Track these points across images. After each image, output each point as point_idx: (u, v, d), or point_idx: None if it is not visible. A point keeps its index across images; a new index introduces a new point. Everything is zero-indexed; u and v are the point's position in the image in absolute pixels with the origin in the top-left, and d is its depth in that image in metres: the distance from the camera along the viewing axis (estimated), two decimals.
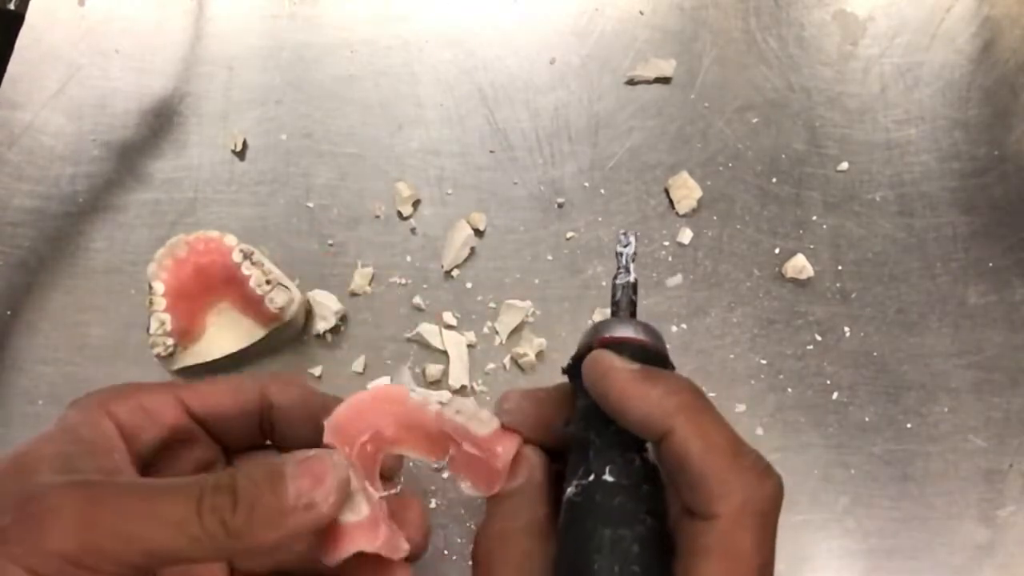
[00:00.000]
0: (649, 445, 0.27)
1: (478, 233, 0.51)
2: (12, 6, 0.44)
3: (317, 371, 0.48)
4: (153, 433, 0.30)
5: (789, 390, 0.49)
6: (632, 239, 0.31)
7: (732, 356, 0.50)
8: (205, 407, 0.31)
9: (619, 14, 0.57)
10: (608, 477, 0.25)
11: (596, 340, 0.28)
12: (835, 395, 0.49)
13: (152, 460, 0.30)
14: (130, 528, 0.24)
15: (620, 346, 0.27)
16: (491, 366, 0.49)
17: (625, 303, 0.30)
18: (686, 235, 0.52)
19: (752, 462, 0.25)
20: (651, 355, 0.27)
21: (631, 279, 0.30)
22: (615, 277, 0.31)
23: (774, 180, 0.53)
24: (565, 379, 0.31)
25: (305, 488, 0.26)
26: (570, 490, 0.26)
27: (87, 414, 0.29)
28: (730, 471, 0.24)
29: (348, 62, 0.55)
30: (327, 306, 0.48)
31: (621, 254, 0.31)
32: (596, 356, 0.27)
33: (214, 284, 0.46)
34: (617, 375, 0.26)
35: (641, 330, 0.29)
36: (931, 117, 0.55)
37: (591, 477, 0.26)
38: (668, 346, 0.49)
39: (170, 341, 0.44)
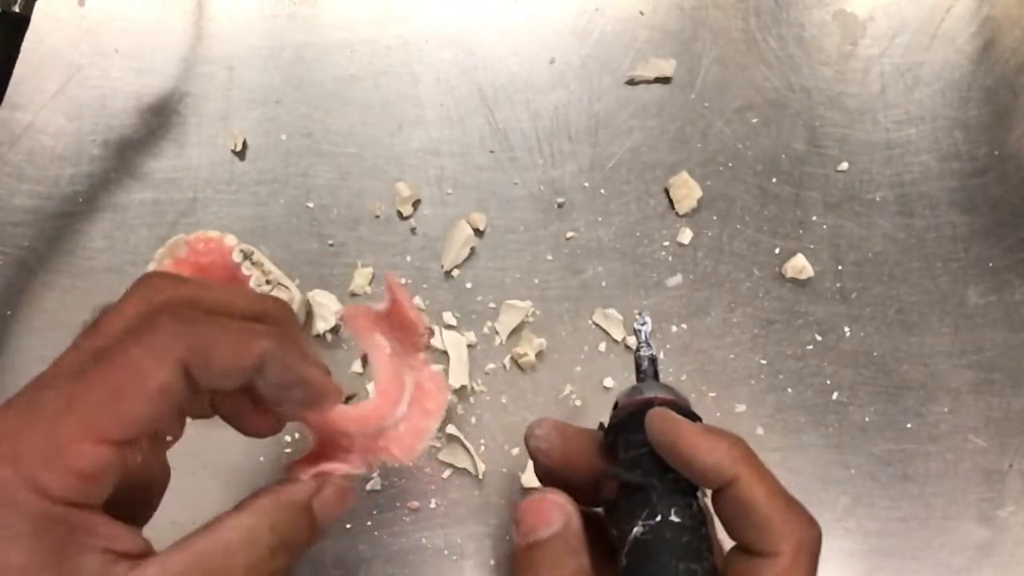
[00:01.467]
0: (699, 492, 0.29)
1: (478, 233, 0.51)
2: (17, 8, 0.44)
3: None
4: (102, 491, 0.24)
5: (789, 390, 0.49)
6: (647, 318, 0.35)
7: (732, 356, 0.50)
8: (137, 433, 0.25)
9: (619, 14, 0.57)
10: (675, 518, 0.28)
11: (655, 399, 0.31)
12: (835, 395, 0.49)
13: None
14: None
15: (667, 406, 0.31)
16: (491, 366, 0.49)
17: (652, 372, 0.34)
18: (686, 235, 0.52)
19: (802, 508, 0.28)
20: (688, 413, 0.31)
21: (653, 352, 0.35)
22: (637, 350, 0.35)
23: (774, 180, 0.53)
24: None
25: (330, 513, 0.29)
26: (637, 530, 0.28)
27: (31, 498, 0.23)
28: (789, 514, 0.27)
29: (348, 62, 0.55)
30: (327, 306, 0.48)
31: (639, 331, 0.35)
32: (662, 413, 0.30)
33: None
34: (686, 429, 0.29)
35: (676, 393, 0.33)
36: (931, 117, 0.55)
37: (658, 518, 0.28)
38: (668, 346, 0.50)
39: None
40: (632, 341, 0.49)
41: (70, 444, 0.23)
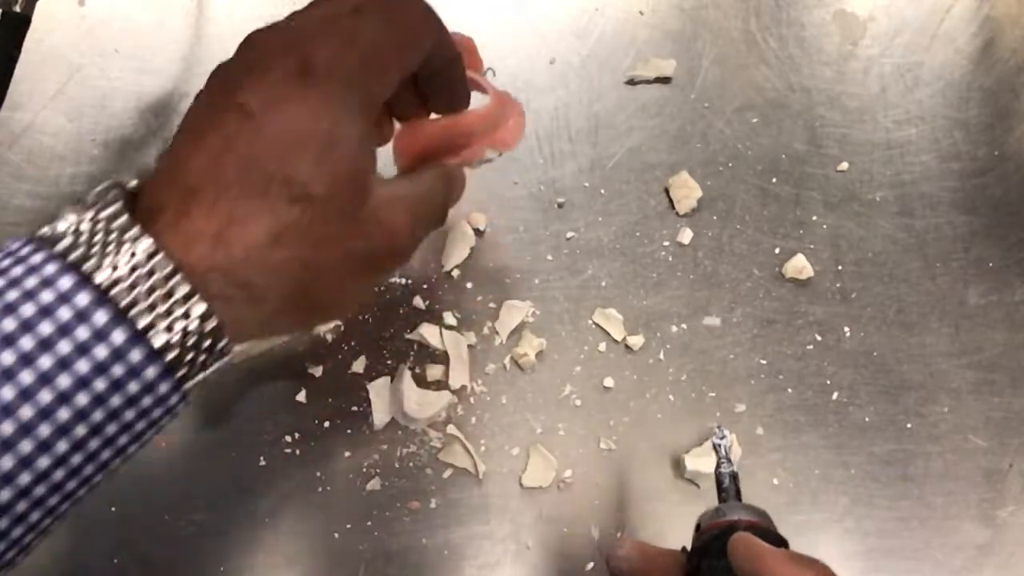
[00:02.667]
0: None
1: (478, 233, 0.51)
2: (18, 8, 0.44)
3: (318, 371, 0.48)
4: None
5: (789, 390, 0.49)
6: (726, 432, 0.35)
7: (732, 356, 0.50)
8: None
9: (619, 14, 0.57)
10: None
11: (738, 522, 0.31)
12: (835, 395, 0.49)
13: None
14: None
15: (751, 530, 0.31)
16: (491, 366, 0.49)
17: (733, 490, 0.34)
18: (686, 235, 0.52)
19: None
20: (773, 537, 0.31)
21: (734, 469, 0.34)
22: (718, 467, 0.34)
23: (774, 180, 0.53)
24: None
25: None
26: None
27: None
28: None
29: None
30: None
31: (719, 446, 0.35)
32: (746, 539, 0.30)
33: None
34: (773, 558, 0.29)
35: (760, 514, 0.32)
36: (931, 117, 0.55)
37: None
38: (668, 346, 0.50)
39: None
40: (634, 341, 0.49)
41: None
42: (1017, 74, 0.56)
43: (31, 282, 0.23)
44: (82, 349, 0.23)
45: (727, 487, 0.34)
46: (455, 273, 0.50)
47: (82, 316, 0.23)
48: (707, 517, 0.32)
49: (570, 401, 0.48)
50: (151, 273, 0.24)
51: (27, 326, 0.23)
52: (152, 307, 0.24)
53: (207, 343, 0.25)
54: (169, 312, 0.24)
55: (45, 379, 0.23)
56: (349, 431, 0.47)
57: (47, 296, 0.23)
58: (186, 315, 0.25)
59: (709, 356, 0.50)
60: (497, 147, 0.42)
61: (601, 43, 0.56)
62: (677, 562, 0.33)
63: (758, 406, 0.49)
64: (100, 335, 0.23)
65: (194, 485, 0.46)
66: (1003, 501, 0.48)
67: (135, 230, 0.25)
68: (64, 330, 0.23)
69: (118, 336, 0.23)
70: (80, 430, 0.23)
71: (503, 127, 0.41)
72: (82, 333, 0.23)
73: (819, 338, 0.50)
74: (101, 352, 0.23)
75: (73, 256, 0.24)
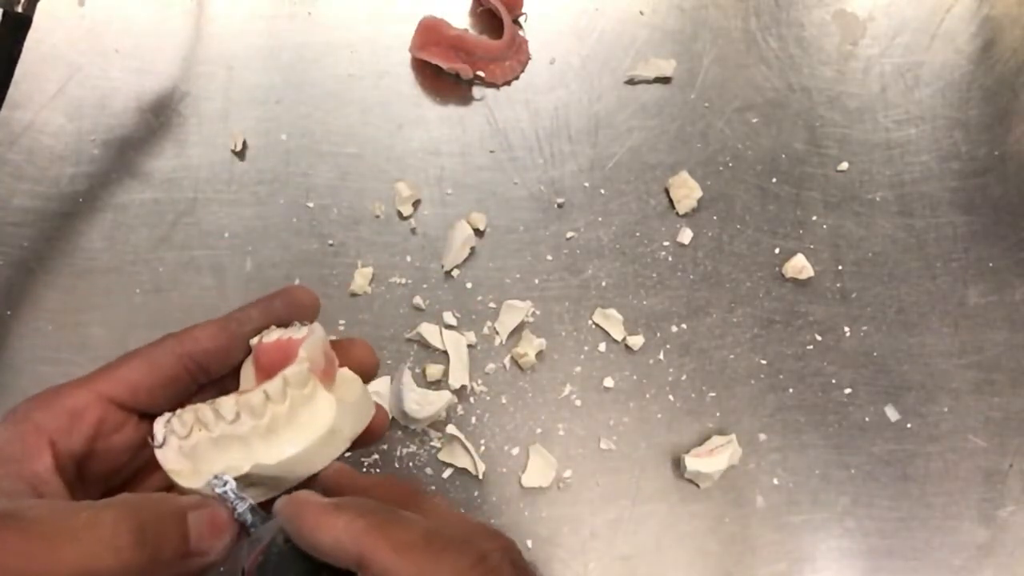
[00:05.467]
0: None
1: (478, 233, 0.51)
2: (20, 9, 0.44)
3: None
4: (80, 433, 0.30)
5: (789, 390, 0.49)
6: (226, 477, 0.29)
7: (732, 356, 0.50)
8: (128, 394, 0.31)
9: (619, 14, 0.57)
10: None
11: (280, 534, 0.28)
12: (835, 395, 0.49)
13: (84, 455, 0.31)
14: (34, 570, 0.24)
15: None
16: (491, 366, 0.49)
17: (260, 519, 0.29)
18: (686, 235, 0.52)
19: (459, 542, 0.25)
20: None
21: (249, 502, 0.29)
22: (233, 511, 0.29)
23: (774, 180, 0.53)
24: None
25: (205, 536, 0.27)
26: None
27: (14, 428, 0.30)
28: (434, 562, 0.25)
29: (348, 62, 0.55)
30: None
31: (224, 495, 0.29)
32: (289, 500, 0.27)
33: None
34: (309, 509, 0.26)
35: None
36: (931, 117, 0.55)
37: None
38: (667, 346, 0.49)
39: None
40: (634, 341, 0.49)
41: (67, 392, 0.31)
42: (1017, 74, 0.56)
43: None
44: None
45: (253, 522, 0.29)
46: (455, 273, 0.50)
47: None
48: (244, 558, 0.28)
49: (570, 401, 0.48)
50: None
51: None
52: None
53: None
54: None
55: None
56: None
57: None
58: None
59: (709, 356, 0.50)
60: (486, 76, 0.53)
61: (601, 43, 0.56)
62: None
63: (758, 406, 0.49)
64: None
65: None
66: (1003, 501, 0.48)
67: None
68: None
69: None
70: None
71: (496, 63, 0.53)
72: None
73: (819, 338, 0.50)
74: None
75: None
